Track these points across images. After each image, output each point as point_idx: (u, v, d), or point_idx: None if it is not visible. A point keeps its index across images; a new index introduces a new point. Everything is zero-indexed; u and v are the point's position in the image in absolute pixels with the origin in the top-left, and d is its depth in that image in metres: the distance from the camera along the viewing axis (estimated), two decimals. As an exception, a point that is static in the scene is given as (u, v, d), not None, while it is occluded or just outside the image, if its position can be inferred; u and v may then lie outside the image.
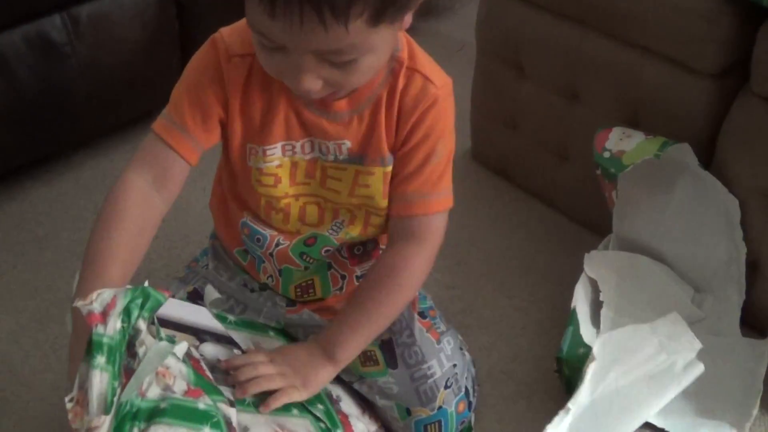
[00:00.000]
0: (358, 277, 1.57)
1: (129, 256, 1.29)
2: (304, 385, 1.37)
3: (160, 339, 1.18)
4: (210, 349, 1.41)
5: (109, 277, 1.23)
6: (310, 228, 1.48)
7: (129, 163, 1.35)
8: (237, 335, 1.45)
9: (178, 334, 1.36)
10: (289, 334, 1.58)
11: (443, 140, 1.38)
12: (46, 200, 2.21)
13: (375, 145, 1.38)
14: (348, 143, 1.38)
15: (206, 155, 1.37)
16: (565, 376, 1.71)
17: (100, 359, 1.08)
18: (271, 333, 1.55)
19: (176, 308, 1.40)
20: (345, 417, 1.49)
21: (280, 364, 1.38)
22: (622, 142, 1.84)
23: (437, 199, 1.41)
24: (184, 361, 1.24)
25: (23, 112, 2.09)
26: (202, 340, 1.41)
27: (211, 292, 1.57)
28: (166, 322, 1.35)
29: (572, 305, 1.75)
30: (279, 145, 1.39)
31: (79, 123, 2.23)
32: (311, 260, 1.51)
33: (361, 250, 1.56)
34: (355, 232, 1.48)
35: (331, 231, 1.48)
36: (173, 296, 1.46)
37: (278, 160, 1.40)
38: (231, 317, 1.51)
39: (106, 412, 1.07)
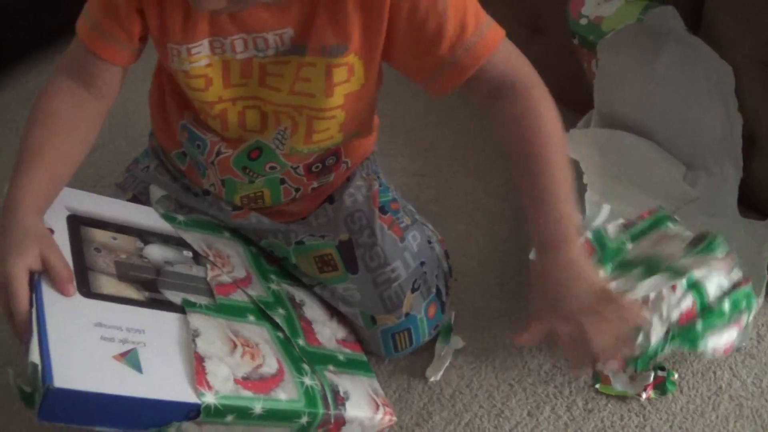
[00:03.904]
0: (314, 188, 1.49)
1: (60, 156, 1.29)
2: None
3: None
4: (155, 252, 1.37)
5: (38, 179, 1.25)
6: (254, 134, 1.39)
7: (58, 65, 1.34)
8: (188, 236, 1.42)
9: (119, 236, 1.36)
10: (243, 235, 1.53)
11: None
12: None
13: (318, 30, 1.26)
14: (290, 31, 1.27)
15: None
16: None
17: None
18: (226, 233, 1.50)
19: (118, 208, 1.42)
20: (308, 323, 1.43)
21: (578, 325, 1.22)
22: (600, 7, 1.78)
23: (481, 39, 1.26)
24: None
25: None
26: (146, 242, 1.38)
27: (157, 191, 1.52)
28: (107, 224, 1.36)
29: None
30: (205, 41, 1.28)
31: (17, 33, 2.19)
32: (255, 175, 1.43)
33: (320, 167, 1.47)
34: (298, 143, 1.39)
35: (275, 141, 1.39)
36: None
37: (206, 59, 1.30)
38: (180, 217, 1.47)
39: None
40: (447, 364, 1.52)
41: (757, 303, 1.50)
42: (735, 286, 1.45)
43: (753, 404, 1.46)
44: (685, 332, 1.40)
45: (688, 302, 1.41)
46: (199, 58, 1.29)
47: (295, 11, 1.25)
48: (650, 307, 1.39)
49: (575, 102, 1.94)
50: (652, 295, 1.40)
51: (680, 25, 1.71)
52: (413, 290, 1.45)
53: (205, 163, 1.45)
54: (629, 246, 1.49)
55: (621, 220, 1.53)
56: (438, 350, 1.53)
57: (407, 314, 1.45)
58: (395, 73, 1.36)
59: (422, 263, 1.47)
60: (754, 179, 1.74)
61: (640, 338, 1.38)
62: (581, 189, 1.69)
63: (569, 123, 1.79)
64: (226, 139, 1.41)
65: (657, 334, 1.38)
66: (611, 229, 1.51)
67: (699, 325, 1.40)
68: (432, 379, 1.49)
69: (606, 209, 1.55)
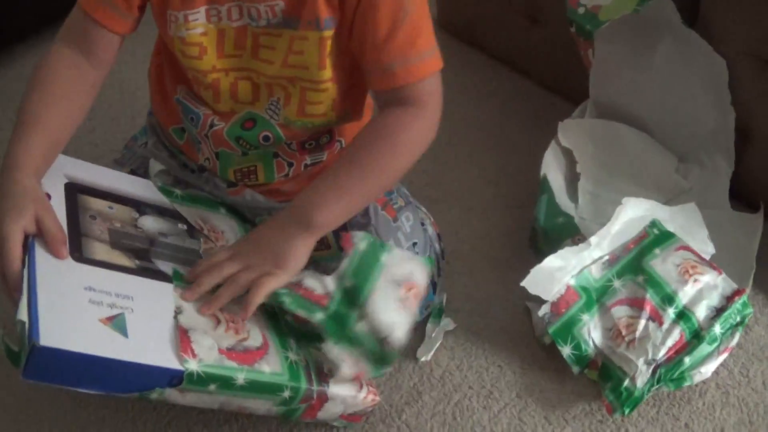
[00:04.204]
0: (306, 165, 1.49)
1: (58, 121, 1.31)
2: (279, 267, 1.27)
3: None
4: (150, 222, 1.38)
5: (36, 143, 1.27)
6: (245, 106, 1.40)
7: (57, 35, 1.36)
8: (184, 210, 1.43)
9: (116, 206, 1.37)
10: (239, 212, 1.53)
11: None
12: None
13: (310, 4, 1.28)
14: (281, 3, 1.29)
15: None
16: (539, 248, 1.65)
17: None
18: (222, 210, 1.50)
19: (117, 179, 1.43)
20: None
21: (244, 254, 1.29)
22: None
23: (421, 62, 1.31)
24: None
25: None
26: (142, 213, 1.39)
27: (156, 165, 1.53)
28: (104, 194, 1.38)
29: (542, 173, 1.70)
30: (202, 9, 1.31)
31: (18, 13, 2.16)
32: (249, 146, 1.44)
33: (313, 144, 1.48)
34: (291, 113, 1.39)
35: (268, 111, 1.40)
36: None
37: (202, 27, 1.32)
38: (177, 191, 1.48)
39: None
40: (438, 344, 1.52)
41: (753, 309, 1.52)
42: (728, 299, 1.46)
43: (739, 393, 1.47)
44: (672, 370, 1.41)
45: (675, 335, 1.42)
46: (196, 26, 1.31)
47: None
48: (636, 349, 1.41)
49: (571, 91, 1.96)
50: (639, 334, 1.42)
51: (676, 18, 1.71)
52: None
53: (199, 137, 1.45)
54: (616, 282, 1.51)
55: (606, 257, 1.53)
56: (429, 331, 1.53)
57: (399, 293, 1.45)
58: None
59: (414, 243, 1.47)
60: (745, 172, 1.74)
61: (627, 382, 1.40)
62: (575, 177, 1.72)
63: (565, 113, 1.83)
64: (218, 112, 1.41)
65: (643, 378, 1.40)
66: (595, 269, 1.52)
67: (687, 360, 1.42)
68: (422, 359, 1.50)
69: (594, 250, 1.54)
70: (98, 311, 1.14)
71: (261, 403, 1.25)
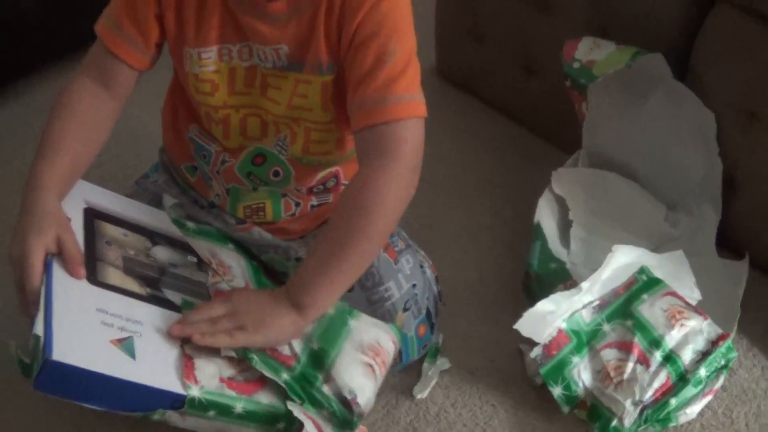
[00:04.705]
0: (313, 206, 1.52)
1: (80, 146, 1.35)
2: (255, 328, 1.27)
3: None
4: (162, 253, 1.42)
5: (60, 165, 1.31)
6: (254, 142, 1.43)
7: (81, 65, 1.40)
8: (195, 243, 1.46)
9: (130, 234, 1.41)
10: (247, 248, 1.54)
11: (396, 38, 1.28)
12: (-2, 123, 2.17)
13: (314, 50, 1.31)
14: (285, 48, 1.32)
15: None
16: (532, 292, 1.66)
17: None
18: (230, 245, 1.51)
19: (133, 209, 1.47)
20: None
21: (236, 303, 1.30)
22: (592, 52, 1.79)
23: (398, 104, 1.28)
24: None
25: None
26: (155, 243, 1.43)
27: (169, 199, 1.55)
28: (120, 221, 1.42)
29: (536, 219, 1.71)
30: (215, 48, 1.35)
31: (30, 46, 2.18)
32: (259, 181, 1.46)
33: (321, 188, 1.50)
34: (297, 150, 1.42)
35: (277, 147, 1.43)
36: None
37: (214, 65, 1.36)
38: (190, 224, 1.49)
39: None
40: (433, 383, 1.54)
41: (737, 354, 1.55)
42: (713, 344, 1.49)
43: None
44: (658, 411, 1.45)
45: (662, 377, 1.45)
46: (208, 63, 1.35)
47: (292, 30, 1.31)
48: (624, 391, 1.44)
49: (565, 141, 1.97)
50: (626, 376, 1.45)
51: (667, 72, 1.73)
52: (405, 310, 1.47)
53: (210, 174, 1.48)
54: (605, 326, 1.53)
55: (597, 302, 1.55)
56: (425, 369, 1.55)
57: (398, 332, 1.46)
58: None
59: (414, 285, 1.49)
60: (732, 221, 1.75)
61: (615, 422, 1.44)
62: (567, 224, 1.73)
63: (558, 162, 1.83)
64: (227, 148, 1.44)
65: (631, 417, 1.43)
66: (586, 313, 1.54)
67: (673, 401, 1.45)
68: (419, 397, 1.52)
69: (585, 294, 1.56)
70: (109, 333, 1.19)
71: (256, 431, 1.28)
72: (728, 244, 1.78)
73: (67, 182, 1.34)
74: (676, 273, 1.63)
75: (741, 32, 1.66)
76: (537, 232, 1.70)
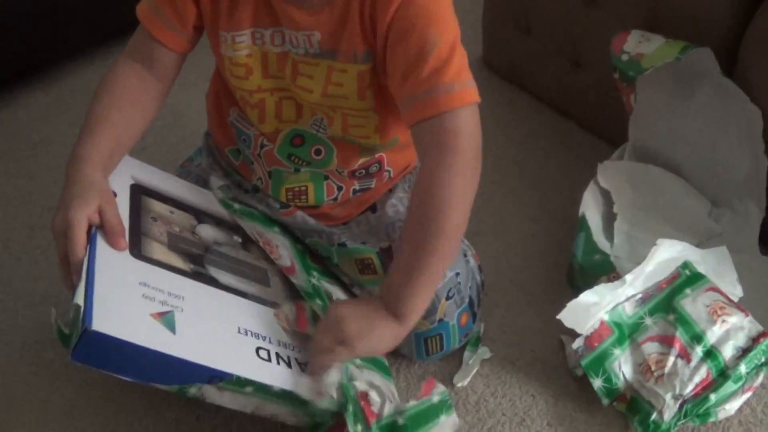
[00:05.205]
0: (356, 191, 1.52)
1: (124, 124, 1.37)
2: (357, 339, 1.29)
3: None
4: (208, 231, 1.44)
5: (104, 140, 1.33)
6: (289, 124, 1.43)
7: (126, 48, 1.43)
8: (242, 223, 1.49)
9: (176, 211, 1.44)
10: (291, 232, 1.56)
11: (436, 27, 1.26)
12: (41, 106, 2.20)
13: (348, 38, 1.31)
14: (318, 35, 1.32)
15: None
16: (575, 283, 1.67)
17: None
18: (276, 228, 1.53)
19: (180, 187, 1.50)
20: None
21: (335, 315, 1.32)
22: (641, 45, 1.77)
23: (448, 94, 1.26)
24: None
25: (17, 18, 2.06)
26: (200, 221, 1.46)
27: (217, 180, 1.56)
28: (166, 198, 1.45)
29: (581, 211, 1.70)
30: (248, 32, 1.35)
31: (74, 29, 2.22)
32: (301, 162, 1.47)
33: (363, 173, 1.51)
34: (336, 131, 1.42)
35: (314, 126, 1.43)
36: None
37: (247, 49, 1.36)
38: (236, 205, 1.50)
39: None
40: (474, 372, 1.54)
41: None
42: (754, 340, 1.48)
43: (760, 431, 1.49)
44: (698, 406, 1.44)
45: (702, 372, 1.45)
46: (241, 47, 1.36)
47: (325, 17, 1.30)
48: (664, 384, 1.44)
49: (610, 134, 1.97)
50: (667, 370, 1.45)
51: (715, 67, 1.72)
52: (447, 298, 1.47)
53: (252, 157, 1.49)
54: (647, 320, 1.53)
55: (639, 295, 1.55)
56: (466, 358, 1.56)
57: (440, 320, 1.47)
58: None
59: (457, 274, 1.49)
60: None
61: (654, 416, 1.44)
62: (611, 217, 1.73)
63: (604, 155, 1.83)
64: (264, 133, 1.45)
65: (670, 411, 1.43)
66: (628, 306, 1.54)
67: (713, 396, 1.44)
68: (459, 385, 1.52)
69: (628, 287, 1.55)
70: (150, 306, 1.20)
71: (292, 412, 1.28)
72: (770, 241, 1.76)
73: (110, 157, 1.35)
74: (718, 269, 1.63)
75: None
76: (581, 223, 1.69)
